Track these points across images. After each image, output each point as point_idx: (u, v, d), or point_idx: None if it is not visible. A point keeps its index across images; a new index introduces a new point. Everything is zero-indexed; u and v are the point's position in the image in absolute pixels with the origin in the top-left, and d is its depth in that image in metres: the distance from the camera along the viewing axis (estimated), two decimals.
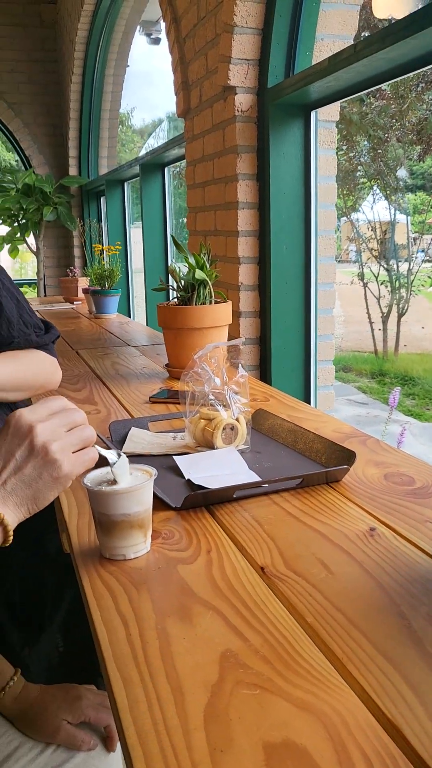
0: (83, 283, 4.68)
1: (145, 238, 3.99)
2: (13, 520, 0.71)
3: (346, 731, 0.54)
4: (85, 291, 3.94)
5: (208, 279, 1.89)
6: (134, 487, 0.83)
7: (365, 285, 8.93)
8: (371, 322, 9.11)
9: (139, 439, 1.31)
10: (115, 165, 6.10)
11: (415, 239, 9.22)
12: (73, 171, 6.23)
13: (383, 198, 9.02)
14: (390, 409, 3.44)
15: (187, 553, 0.86)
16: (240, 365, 1.25)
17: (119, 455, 0.85)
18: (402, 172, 10.10)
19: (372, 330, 9.09)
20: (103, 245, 5.10)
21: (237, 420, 1.22)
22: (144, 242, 4.00)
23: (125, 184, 5.09)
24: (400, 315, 8.76)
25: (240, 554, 0.85)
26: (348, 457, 1.11)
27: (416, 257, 9.15)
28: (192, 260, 1.90)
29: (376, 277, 8.93)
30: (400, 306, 8.75)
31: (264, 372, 2.33)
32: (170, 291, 2.01)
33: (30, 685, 1.02)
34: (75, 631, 1.35)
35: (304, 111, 2.15)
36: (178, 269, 1.92)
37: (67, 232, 6.51)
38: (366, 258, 9.00)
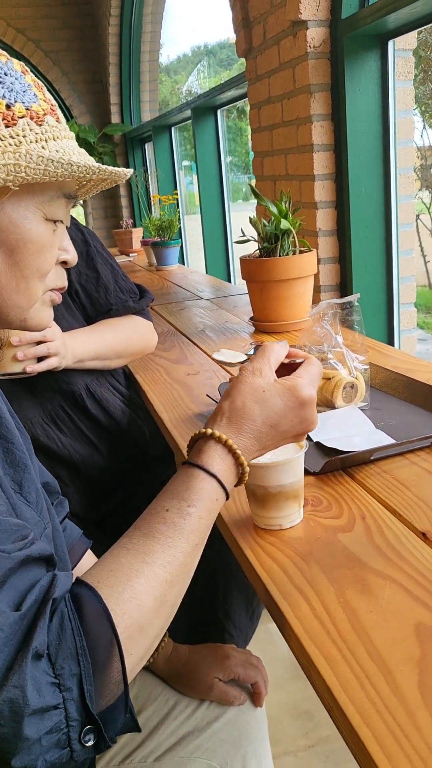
0: (138, 234, 4.64)
1: (200, 183, 3.91)
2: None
3: None
4: (144, 243, 3.91)
5: (292, 228, 1.84)
6: (289, 459, 0.82)
7: (417, 217, 8.63)
8: (424, 255, 8.84)
9: None
10: (157, 109, 5.95)
11: None
12: (115, 118, 6.10)
13: (425, 123, 8.61)
14: None
15: (342, 520, 0.86)
16: (356, 322, 1.22)
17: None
18: None
19: (425, 263, 8.83)
20: (150, 193, 5.04)
21: (356, 378, 1.20)
22: (199, 188, 3.93)
23: (172, 129, 4.96)
24: None
25: (396, 519, 0.85)
26: None
27: None
28: (274, 209, 1.85)
29: (428, 208, 8.62)
30: None
31: None
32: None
33: (179, 646, 1.06)
34: (194, 588, 1.38)
35: (380, 41, 2.04)
36: (261, 220, 1.87)
37: None
38: (417, 188, 8.68)
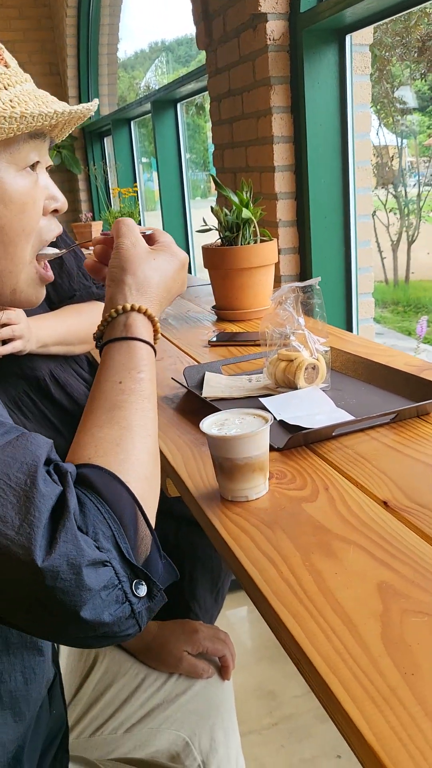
0: (97, 227, 4.62)
1: (160, 176, 3.91)
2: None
3: None
4: (104, 235, 3.90)
5: (253, 217, 1.87)
6: (255, 431, 0.85)
7: (373, 214, 8.77)
8: (380, 251, 8.99)
9: (216, 383, 1.33)
10: (116, 103, 5.92)
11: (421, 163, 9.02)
12: None
13: (381, 122, 8.74)
14: (419, 338, 3.44)
15: (306, 491, 0.89)
16: (317, 305, 1.25)
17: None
18: (405, 92, 9.76)
19: (381, 259, 8.98)
20: (110, 187, 5.01)
21: (317, 359, 1.23)
22: (159, 181, 3.93)
23: (132, 123, 4.95)
24: (410, 242, 8.63)
25: (358, 490, 0.88)
26: None
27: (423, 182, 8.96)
28: (235, 198, 1.87)
29: (384, 205, 8.77)
30: (410, 233, 8.63)
31: None
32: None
33: (148, 622, 1.07)
34: None
35: (338, 36, 2.08)
36: (222, 210, 1.90)
37: (71, 176, 6.37)
38: (373, 184, 8.81)
